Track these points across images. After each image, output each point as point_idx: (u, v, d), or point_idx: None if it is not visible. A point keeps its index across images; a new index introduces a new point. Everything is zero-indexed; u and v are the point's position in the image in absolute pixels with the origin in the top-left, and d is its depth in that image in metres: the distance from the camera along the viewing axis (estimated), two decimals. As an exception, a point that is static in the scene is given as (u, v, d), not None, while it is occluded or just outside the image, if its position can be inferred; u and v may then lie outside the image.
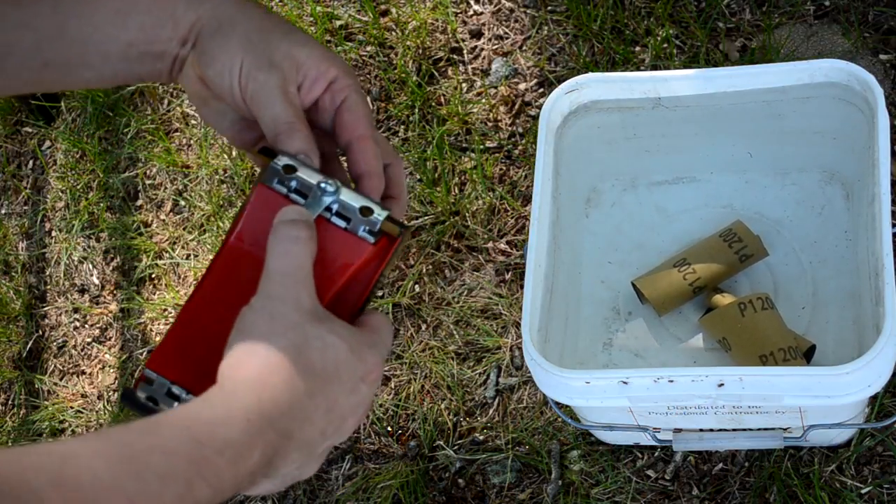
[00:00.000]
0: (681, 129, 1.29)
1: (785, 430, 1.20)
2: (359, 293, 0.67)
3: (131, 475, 0.49)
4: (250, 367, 0.58)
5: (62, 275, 1.76)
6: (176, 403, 0.64)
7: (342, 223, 0.66)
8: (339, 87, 0.68)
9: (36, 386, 1.70)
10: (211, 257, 1.64)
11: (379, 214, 0.66)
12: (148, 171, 1.77)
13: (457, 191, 1.57)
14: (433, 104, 1.64)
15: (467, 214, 1.54)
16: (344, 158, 0.72)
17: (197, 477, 0.51)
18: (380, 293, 1.54)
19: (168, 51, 0.68)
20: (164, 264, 1.69)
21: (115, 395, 1.65)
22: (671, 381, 1.05)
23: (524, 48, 1.64)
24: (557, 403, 1.20)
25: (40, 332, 1.74)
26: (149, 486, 0.49)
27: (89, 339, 1.71)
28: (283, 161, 0.66)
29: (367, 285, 0.67)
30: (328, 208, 0.66)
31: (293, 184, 0.66)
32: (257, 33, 0.67)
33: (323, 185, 0.66)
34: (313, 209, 0.65)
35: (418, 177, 1.59)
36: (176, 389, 0.64)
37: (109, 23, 0.66)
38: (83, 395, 1.66)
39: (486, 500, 1.39)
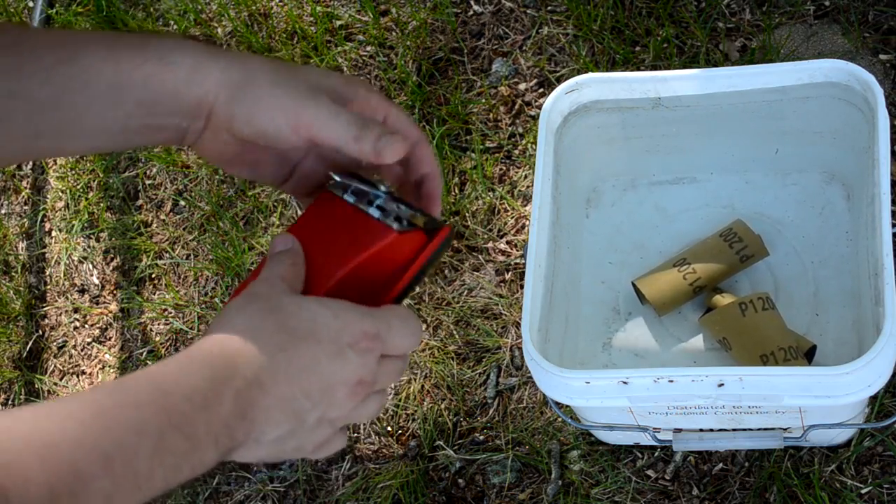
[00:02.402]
0: (681, 129, 1.29)
1: (785, 430, 1.20)
2: (384, 283, 0.68)
3: (104, 431, 0.50)
4: (216, 329, 0.59)
5: (62, 275, 1.76)
6: None
7: (376, 213, 0.68)
8: (374, 103, 0.70)
9: (36, 386, 1.70)
10: (212, 257, 1.65)
11: (410, 208, 0.69)
12: (148, 171, 1.77)
13: (457, 191, 1.57)
14: (433, 104, 1.64)
15: (467, 214, 1.54)
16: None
17: (168, 426, 0.52)
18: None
19: (170, 124, 0.67)
20: (164, 264, 1.69)
21: (115, 395, 1.65)
22: (671, 381, 1.05)
23: (524, 48, 1.64)
24: (557, 403, 1.20)
25: (40, 332, 1.74)
26: (122, 439, 0.50)
27: (89, 339, 1.71)
28: (338, 178, 0.70)
29: (398, 277, 0.68)
30: (370, 200, 0.69)
31: (351, 187, 0.70)
32: (282, 75, 0.67)
33: (378, 184, 0.70)
34: (353, 198, 0.69)
35: (418, 177, 1.60)
36: None
37: (104, 96, 0.65)
38: (83, 395, 1.66)
39: (486, 500, 1.39)
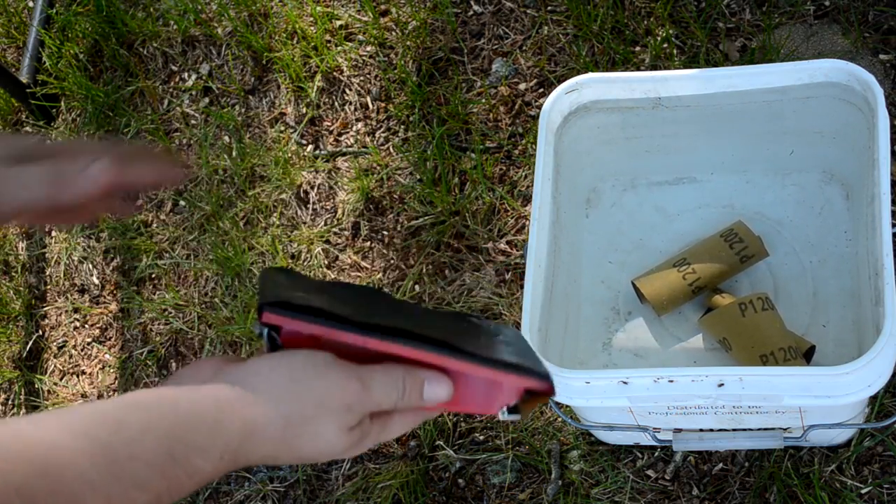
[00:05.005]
0: (681, 129, 1.29)
1: (785, 430, 1.20)
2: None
3: (112, 478, 0.55)
4: (254, 410, 0.62)
5: (62, 275, 1.76)
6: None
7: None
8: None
9: (36, 386, 1.70)
10: (212, 257, 1.64)
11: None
12: (148, 171, 1.77)
13: (457, 191, 1.57)
14: (433, 104, 1.64)
15: (467, 214, 1.54)
16: None
17: (165, 491, 0.58)
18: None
19: None
20: (165, 264, 1.69)
21: (116, 395, 1.65)
22: (671, 381, 1.05)
23: (524, 48, 1.64)
24: (557, 403, 1.20)
25: (40, 332, 1.74)
26: (126, 491, 0.55)
27: (89, 339, 1.71)
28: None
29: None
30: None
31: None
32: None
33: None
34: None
35: (418, 177, 1.60)
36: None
37: None
38: (83, 395, 1.66)
39: (486, 499, 1.39)
